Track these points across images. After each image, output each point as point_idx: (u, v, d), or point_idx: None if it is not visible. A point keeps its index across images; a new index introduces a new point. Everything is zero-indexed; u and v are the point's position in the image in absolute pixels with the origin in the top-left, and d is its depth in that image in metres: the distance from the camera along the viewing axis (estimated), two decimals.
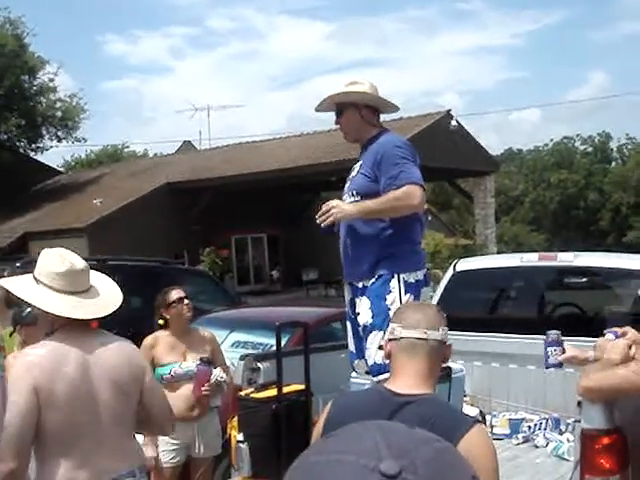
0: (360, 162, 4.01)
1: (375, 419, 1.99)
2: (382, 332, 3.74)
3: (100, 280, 3.25)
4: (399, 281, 3.77)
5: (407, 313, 2.37)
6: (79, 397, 2.91)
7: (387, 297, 3.75)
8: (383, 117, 4.17)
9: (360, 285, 3.91)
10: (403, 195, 3.68)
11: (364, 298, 3.85)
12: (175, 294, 4.85)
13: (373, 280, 3.83)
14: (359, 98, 3.98)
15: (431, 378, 2.30)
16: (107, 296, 3.18)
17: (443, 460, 0.87)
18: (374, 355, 3.80)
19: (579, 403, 3.29)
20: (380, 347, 3.76)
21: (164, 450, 4.70)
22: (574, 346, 3.82)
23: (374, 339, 3.80)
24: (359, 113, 3.98)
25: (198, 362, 4.72)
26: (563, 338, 3.90)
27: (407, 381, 2.23)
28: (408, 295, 3.73)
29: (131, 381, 3.09)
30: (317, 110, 4.16)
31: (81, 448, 2.91)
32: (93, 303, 3.08)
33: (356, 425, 0.94)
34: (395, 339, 2.33)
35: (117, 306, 3.16)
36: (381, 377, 3.75)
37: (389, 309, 3.71)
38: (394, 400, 2.18)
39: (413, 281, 3.80)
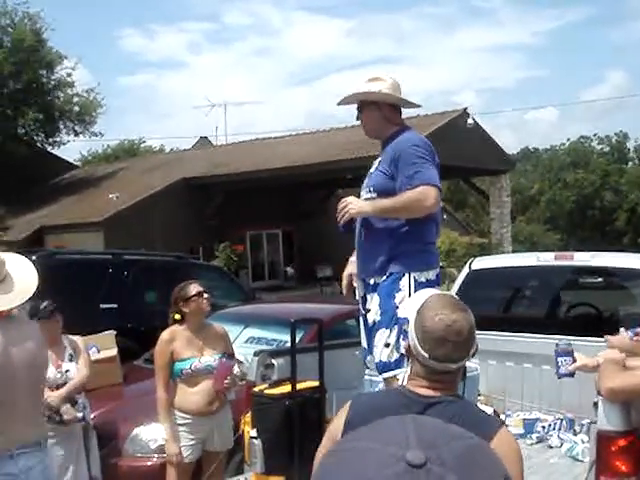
0: (379, 159, 4.00)
1: None
2: (389, 330, 3.73)
3: (17, 268, 3.53)
4: (410, 280, 3.76)
5: (433, 343, 2.17)
6: (5, 370, 3.29)
7: (396, 295, 3.74)
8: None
9: (372, 282, 3.90)
10: (417, 195, 3.66)
11: (375, 295, 3.84)
12: (194, 288, 4.85)
13: (384, 278, 3.82)
14: (379, 98, 3.96)
15: (455, 381, 2.27)
16: (20, 286, 3.47)
17: (474, 456, 0.86)
18: (380, 353, 3.79)
19: (595, 404, 3.27)
20: (387, 345, 3.76)
21: (183, 446, 4.71)
22: (588, 348, 3.82)
23: (381, 337, 3.79)
24: (379, 111, 3.97)
25: (219, 356, 4.74)
26: (578, 338, 3.89)
27: (430, 385, 2.20)
28: None
29: (42, 363, 3.57)
30: (339, 104, 4.15)
31: (0, 417, 3.29)
32: (4, 296, 3.39)
33: (392, 417, 0.94)
34: (416, 357, 2.25)
35: (29, 295, 3.49)
36: (386, 375, 3.75)
37: (397, 307, 3.71)
38: (418, 401, 2.15)
39: (424, 280, 3.78)
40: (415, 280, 3.75)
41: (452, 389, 2.23)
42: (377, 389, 3.94)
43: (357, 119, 4.12)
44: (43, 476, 3.49)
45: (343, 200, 3.86)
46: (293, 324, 4.35)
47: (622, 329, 3.66)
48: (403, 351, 3.63)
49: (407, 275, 3.75)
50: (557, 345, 3.78)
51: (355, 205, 3.82)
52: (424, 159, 3.73)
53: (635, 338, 3.55)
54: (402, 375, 3.66)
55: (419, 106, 4.23)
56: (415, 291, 3.72)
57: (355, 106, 4.08)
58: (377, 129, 4.05)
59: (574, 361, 3.72)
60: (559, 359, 3.75)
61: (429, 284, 3.78)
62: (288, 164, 21.80)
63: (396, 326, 3.66)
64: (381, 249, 3.83)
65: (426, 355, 2.18)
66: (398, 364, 3.65)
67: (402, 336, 3.64)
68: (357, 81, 4.09)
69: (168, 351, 4.72)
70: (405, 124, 4.07)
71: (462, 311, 2.22)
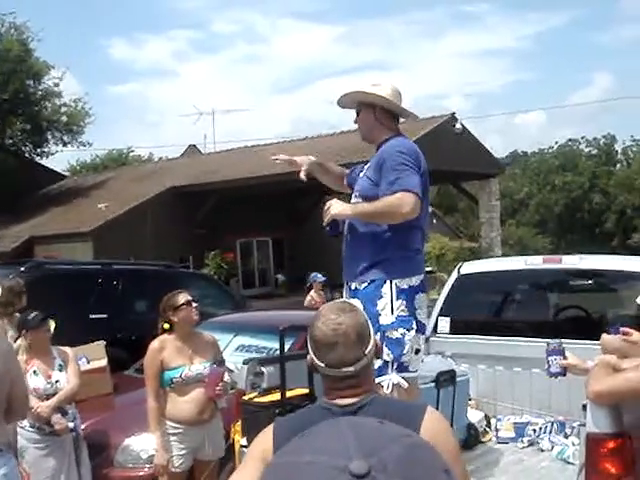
0: (368, 164, 4.02)
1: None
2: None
3: None
4: (391, 286, 3.76)
5: (325, 350, 2.19)
6: None
7: (378, 302, 3.75)
8: None
9: (353, 287, 3.92)
10: (394, 202, 3.66)
11: (357, 301, 3.83)
12: (183, 297, 4.85)
13: (365, 284, 3.83)
14: (376, 100, 3.96)
15: (366, 381, 2.25)
16: None
17: (414, 456, 0.87)
18: None
19: (584, 406, 3.27)
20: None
21: (175, 455, 4.70)
22: (577, 351, 3.83)
23: None
24: (374, 114, 3.97)
25: (209, 364, 4.74)
26: (568, 341, 3.90)
27: (343, 393, 2.19)
28: (400, 301, 3.73)
29: (4, 374, 3.62)
30: (339, 105, 4.15)
31: None
32: None
33: (327, 424, 0.95)
34: (318, 370, 2.26)
35: None
36: None
37: (379, 314, 3.71)
38: (341, 412, 2.14)
39: (406, 287, 3.78)
40: (397, 287, 3.76)
41: (367, 390, 2.23)
42: None
43: (355, 122, 4.12)
44: (6, 479, 3.59)
45: (327, 202, 3.89)
46: (282, 332, 4.35)
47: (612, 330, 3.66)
48: (386, 358, 3.66)
49: (388, 282, 3.76)
50: (548, 344, 3.78)
51: (337, 207, 3.84)
52: (406, 166, 3.73)
53: (622, 338, 3.55)
54: (386, 382, 3.67)
55: (416, 117, 4.24)
56: (397, 298, 3.73)
57: (351, 111, 4.10)
58: (370, 132, 4.05)
59: (565, 360, 3.72)
60: (550, 358, 3.75)
61: (412, 290, 3.79)
62: (277, 171, 21.76)
63: (378, 333, 3.66)
64: (363, 255, 3.84)
65: (322, 364, 2.20)
66: (381, 371, 3.65)
67: (384, 343, 3.65)
68: (359, 83, 4.10)
69: (158, 360, 4.71)
70: (399, 131, 4.07)
71: (348, 312, 2.23)
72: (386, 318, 3.69)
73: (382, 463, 0.82)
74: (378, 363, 3.62)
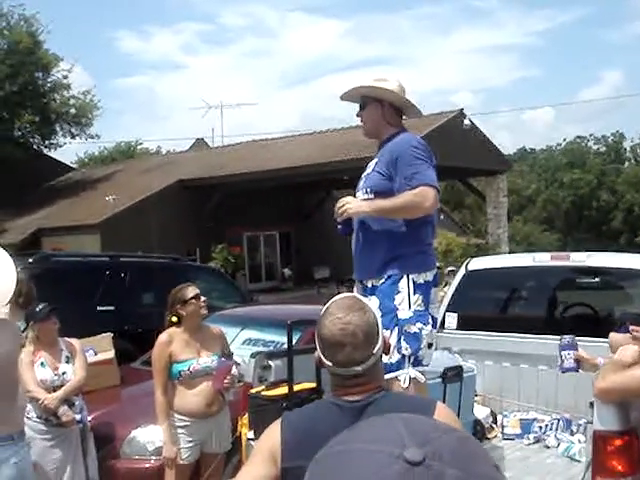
0: (376, 160, 3.98)
1: (339, 432, 1.96)
2: (389, 331, 3.72)
3: None
4: (408, 281, 3.76)
5: (333, 349, 2.17)
6: None
7: (395, 297, 3.74)
8: None
9: (370, 284, 3.90)
10: (416, 197, 3.66)
11: (373, 297, 3.82)
12: (191, 291, 4.85)
13: (383, 280, 3.82)
14: (384, 95, 3.93)
15: (375, 377, 2.23)
16: None
17: (467, 448, 0.87)
18: None
19: (591, 404, 3.28)
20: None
21: (182, 447, 4.71)
22: (584, 348, 3.83)
23: None
24: (381, 110, 3.96)
25: (217, 357, 4.75)
26: (575, 338, 3.89)
27: (351, 390, 2.18)
28: (417, 295, 3.73)
29: (13, 363, 3.73)
30: (342, 98, 4.11)
31: None
32: None
33: (379, 417, 0.95)
34: (326, 368, 2.24)
35: (8, 297, 3.70)
36: (387, 376, 3.73)
37: (397, 309, 3.71)
38: (350, 407, 2.13)
39: (422, 282, 3.78)
40: (414, 282, 3.75)
41: (376, 386, 2.21)
42: None
43: (357, 116, 4.08)
44: (17, 468, 3.61)
45: (341, 200, 3.85)
46: (290, 326, 4.35)
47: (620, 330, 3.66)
48: (404, 352, 3.66)
49: (405, 277, 3.75)
50: (562, 339, 3.77)
51: (353, 205, 3.82)
52: (422, 160, 3.73)
53: (630, 336, 3.55)
54: (403, 376, 3.66)
55: (420, 113, 4.21)
56: (414, 293, 3.73)
57: (355, 105, 4.07)
58: (376, 129, 4.02)
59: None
60: (563, 353, 3.73)
61: (427, 285, 3.79)
62: (284, 165, 21.82)
63: (396, 327, 3.66)
64: (379, 251, 3.83)
65: (329, 363, 2.18)
66: (399, 365, 3.66)
67: (402, 337, 3.66)
68: (363, 78, 4.07)
69: (166, 353, 4.73)
70: (403, 127, 4.06)
71: (357, 311, 2.19)
72: (404, 313, 3.69)
73: (437, 452, 0.82)
74: (396, 357, 3.63)
